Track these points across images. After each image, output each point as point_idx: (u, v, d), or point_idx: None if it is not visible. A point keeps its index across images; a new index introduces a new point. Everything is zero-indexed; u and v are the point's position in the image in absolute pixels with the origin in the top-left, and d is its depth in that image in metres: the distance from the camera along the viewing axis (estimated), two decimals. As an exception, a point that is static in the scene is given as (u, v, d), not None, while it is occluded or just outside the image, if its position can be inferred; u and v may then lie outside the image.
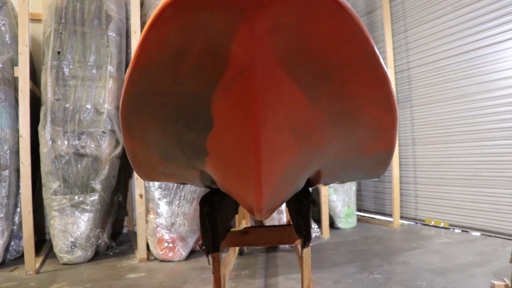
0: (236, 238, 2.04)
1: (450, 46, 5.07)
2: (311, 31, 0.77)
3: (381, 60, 0.90)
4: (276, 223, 4.57)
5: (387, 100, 1.03)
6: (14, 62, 4.32)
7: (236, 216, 3.85)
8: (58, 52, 4.29)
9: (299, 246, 1.91)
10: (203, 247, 1.71)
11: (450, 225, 5.23)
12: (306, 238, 1.74)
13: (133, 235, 5.45)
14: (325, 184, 4.43)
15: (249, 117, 0.86)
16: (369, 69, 0.90)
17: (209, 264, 1.76)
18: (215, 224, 1.67)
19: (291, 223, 1.96)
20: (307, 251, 1.80)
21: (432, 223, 5.50)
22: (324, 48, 0.82)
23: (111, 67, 4.51)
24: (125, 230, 6.02)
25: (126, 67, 4.80)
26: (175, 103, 1.01)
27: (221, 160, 1.14)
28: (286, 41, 0.77)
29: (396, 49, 5.93)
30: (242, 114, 0.87)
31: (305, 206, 1.68)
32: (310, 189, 1.85)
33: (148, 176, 1.70)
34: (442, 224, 5.34)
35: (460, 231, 5.04)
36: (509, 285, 2.85)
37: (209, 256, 1.74)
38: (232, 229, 2.11)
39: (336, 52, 0.84)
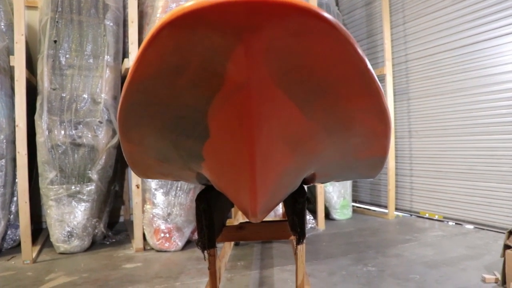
0: (232, 233, 2.06)
1: (448, 40, 5.07)
2: (306, 52, 0.77)
3: (375, 76, 0.90)
4: (272, 214, 4.60)
5: (380, 112, 1.04)
6: (9, 50, 4.29)
7: (232, 209, 3.87)
8: (55, 41, 4.26)
9: (294, 241, 1.94)
10: (199, 243, 1.73)
11: (444, 217, 5.29)
12: (300, 235, 1.77)
13: (129, 224, 5.48)
14: (321, 183, 4.47)
15: (244, 130, 0.87)
16: (363, 85, 0.91)
17: (205, 259, 1.78)
18: (211, 220, 1.69)
19: (286, 218, 1.98)
20: (301, 248, 1.83)
21: (427, 215, 5.55)
22: (319, 67, 0.83)
23: (108, 56, 4.49)
24: (121, 219, 6.05)
25: (123, 56, 4.77)
26: (172, 114, 1.02)
27: (217, 166, 1.16)
28: (281, 62, 0.78)
29: (394, 41, 5.91)
30: (237, 127, 0.88)
31: (300, 204, 1.70)
32: (306, 186, 1.86)
33: (144, 175, 1.72)
34: (436, 217, 5.39)
35: (454, 223, 5.09)
36: (499, 278, 2.90)
37: (205, 252, 1.76)
38: (228, 220, 2.13)
39: (331, 71, 0.85)
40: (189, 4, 0.65)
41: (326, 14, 0.68)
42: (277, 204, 1.47)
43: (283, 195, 1.35)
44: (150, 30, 0.74)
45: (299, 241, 1.78)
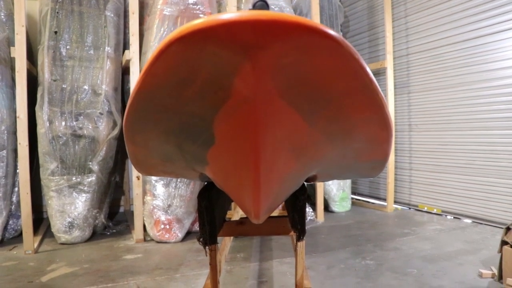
0: (232, 229, 2.09)
1: (450, 34, 5.05)
2: (312, 68, 0.79)
3: (379, 88, 0.92)
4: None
5: (382, 120, 1.06)
6: (10, 41, 4.27)
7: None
8: (55, 32, 4.25)
9: (294, 237, 1.96)
10: (201, 239, 1.75)
11: (442, 211, 5.32)
12: (301, 232, 1.79)
13: (129, 214, 5.51)
14: (321, 182, 4.48)
15: (250, 139, 0.89)
16: (366, 97, 0.93)
17: (207, 255, 1.80)
18: (212, 217, 1.71)
19: (287, 214, 2.00)
20: (301, 245, 1.85)
21: (425, 209, 5.59)
22: (325, 81, 0.84)
23: (109, 48, 4.48)
24: (121, 209, 6.08)
25: (124, 48, 4.76)
26: (177, 121, 1.03)
27: (221, 171, 1.17)
28: (288, 77, 0.80)
29: (396, 34, 5.89)
30: (242, 137, 0.90)
31: (300, 201, 1.72)
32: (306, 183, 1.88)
33: (147, 172, 1.73)
34: (435, 210, 5.43)
35: (452, 217, 5.13)
36: (496, 274, 2.94)
37: (207, 248, 1.79)
38: (228, 211, 2.14)
39: (336, 84, 0.86)
40: (198, 22, 0.66)
41: (331, 32, 0.70)
42: (279, 205, 1.49)
43: (285, 196, 1.37)
44: (157, 46, 0.75)
45: (299, 238, 1.80)
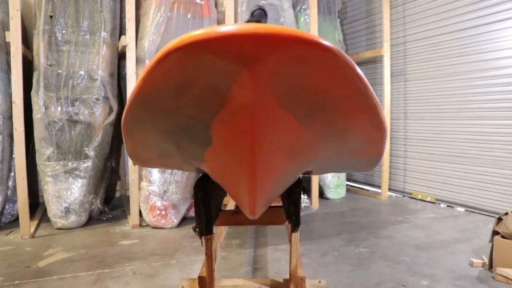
0: (228, 218, 2.11)
1: (448, 22, 5.03)
2: (309, 78, 0.80)
3: (373, 94, 0.93)
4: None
5: (377, 122, 1.07)
6: (4, 25, 4.22)
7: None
8: (51, 16, 4.20)
9: (289, 226, 1.98)
10: (197, 230, 1.77)
11: (436, 199, 5.38)
12: (295, 223, 1.82)
13: (125, 199, 5.53)
14: (316, 175, 4.49)
15: (246, 142, 0.91)
16: (362, 102, 0.94)
17: (202, 245, 1.83)
18: (209, 207, 1.73)
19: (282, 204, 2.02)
20: (295, 235, 1.87)
21: (419, 196, 5.64)
22: (321, 89, 0.86)
23: (105, 33, 4.43)
24: (117, 194, 6.10)
25: (120, 33, 4.72)
26: (175, 122, 1.05)
27: (218, 169, 1.19)
28: (285, 86, 0.81)
29: (393, 21, 5.86)
30: (239, 140, 0.92)
31: (295, 193, 1.74)
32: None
33: (144, 165, 1.75)
34: (428, 198, 5.48)
35: (445, 206, 5.18)
36: (487, 263, 2.99)
37: (202, 238, 1.81)
38: (224, 199, 2.14)
39: (332, 92, 0.88)
40: (197, 33, 0.67)
41: (327, 43, 0.71)
42: (274, 200, 1.51)
43: (280, 192, 1.40)
44: (158, 53, 0.76)
45: (294, 229, 1.83)
